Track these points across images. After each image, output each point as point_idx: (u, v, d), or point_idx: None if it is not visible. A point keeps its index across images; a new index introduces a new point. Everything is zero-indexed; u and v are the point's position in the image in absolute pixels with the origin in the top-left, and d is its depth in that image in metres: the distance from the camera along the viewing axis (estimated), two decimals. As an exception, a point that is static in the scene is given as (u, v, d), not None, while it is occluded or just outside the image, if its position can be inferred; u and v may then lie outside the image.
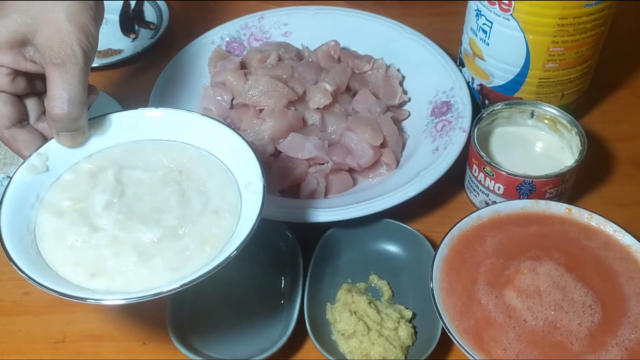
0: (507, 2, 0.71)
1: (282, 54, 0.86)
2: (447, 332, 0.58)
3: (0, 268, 0.70)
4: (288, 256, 0.69)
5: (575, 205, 0.66)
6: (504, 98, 0.79)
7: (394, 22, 0.90)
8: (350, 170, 0.77)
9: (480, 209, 0.66)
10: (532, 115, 0.75)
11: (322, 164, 0.75)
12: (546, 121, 0.74)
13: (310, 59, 0.86)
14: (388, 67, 0.86)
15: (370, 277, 0.69)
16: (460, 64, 0.84)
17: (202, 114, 0.63)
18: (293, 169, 0.74)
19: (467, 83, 0.82)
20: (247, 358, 0.60)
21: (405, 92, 0.85)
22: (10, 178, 0.57)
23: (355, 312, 0.63)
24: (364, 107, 0.80)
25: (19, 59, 0.57)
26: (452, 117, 0.78)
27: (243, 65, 0.86)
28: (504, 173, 0.69)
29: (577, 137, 0.71)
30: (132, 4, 1.02)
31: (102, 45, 0.96)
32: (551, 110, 0.74)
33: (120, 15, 1.01)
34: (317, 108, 0.78)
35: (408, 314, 0.64)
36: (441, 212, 0.76)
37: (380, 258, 0.70)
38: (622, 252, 0.63)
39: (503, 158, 0.73)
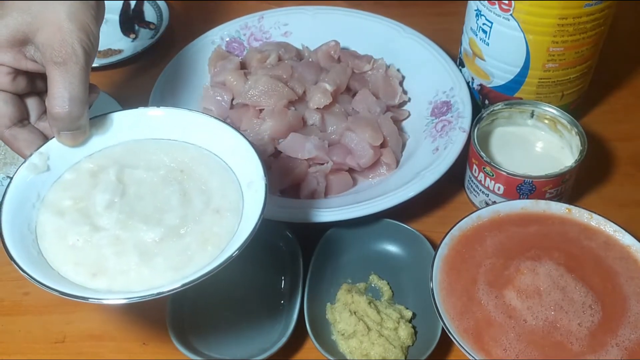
0: (507, 2, 0.71)
1: (282, 54, 0.86)
2: (447, 332, 0.58)
3: (0, 268, 0.70)
4: (288, 256, 0.69)
5: (575, 205, 0.67)
6: (504, 98, 0.79)
7: (394, 22, 0.90)
8: (350, 170, 0.77)
9: (480, 209, 0.66)
10: (532, 115, 0.75)
11: (322, 164, 0.75)
12: (546, 121, 0.74)
13: (310, 59, 0.86)
14: (388, 67, 0.86)
15: (370, 277, 0.69)
16: (460, 64, 0.84)
17: (204, 113, 0.63)
18: (293, 169, 0.74)
19: (467, 83, 0.82)
20: (247, 358, 0.60)
21: (405, 92, 0.85)
22: (11, 177, 0.57)
23: (355, 312, 0.63)
24: (364, 107, 0.80)
25: (19, 58, 0.57)
26: (452, 117, 0.78)
27: (243, 65, 0.86)
28: (504, 173, 0.69)
29: (577, 137, 0.71)
30: (132, 4, 1.02)
31: (102, 45, 0.95)
32: (551, 110, 0.74)
33: (120, 15, 1.01)
34: (317, 108, 0.78)
35: (408, 314, 0.64)
36: (441, 212, 0.76)
37: (380, 258, 0.70)
38: (622, 252, 0.63)
39: (503, 158, 0.73)
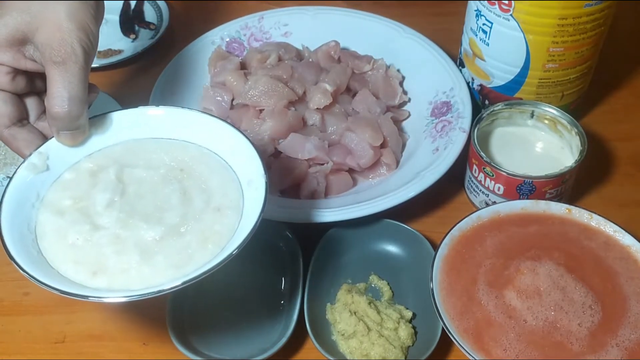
0: (507, 2, 0.71)
1: (282, 54, 0.86)
2: (447, 332, 0.58)
3: (0, 268, 0.70)
4: (288, 256, 0.69)
5: (575, 206, 0.66)
6: (504, 98, 0.79)
7: (394, 22, 0.90)
8: (350, 171, 0.77)
9: (480, 209, 0.66)
10: (532, 115, 0.75)
11: (322, 164, 0.75)
12: (546, 121, 0.74)
13: (310, 59, 0.86)
14: (388, 67, 0.86)
15: (370, 277, 0.69)
16: (460, 64, 0.84)
17: (203, 112, 0.63)
18: (293, 169, 0.74)
19: (467, 83, 0.82)
20: (247, 358, 0.60)
21: (405, 93, 0.85)
22: (11, 177, 0.57)
23: (355, 313, 0.63)
24: (364, 108, 0.80)
25: (18, 57, 0.57)
26: (452, 117, 0.78)
27: (243, 66, 0.86)
28: (504, 173, 0.69)
29: (577, 137, 0.71)
30: (132, 4, 1.02)
31: (102, 46, 0.96)
32: (551, 111, 0.74)
33: (120, 16, 1.01)
34: (317, 108, 0.78)
35: (408, 314, 0.64)
36: (441, 212, 0.76)
37: (380, 258, 0.70)
38: (622, 252, 0.63)
39: (503, 158, 0.73)
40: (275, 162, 0.75)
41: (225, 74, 0.83)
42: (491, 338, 0.57)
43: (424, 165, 0.74)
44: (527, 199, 0.69)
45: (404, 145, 0.80)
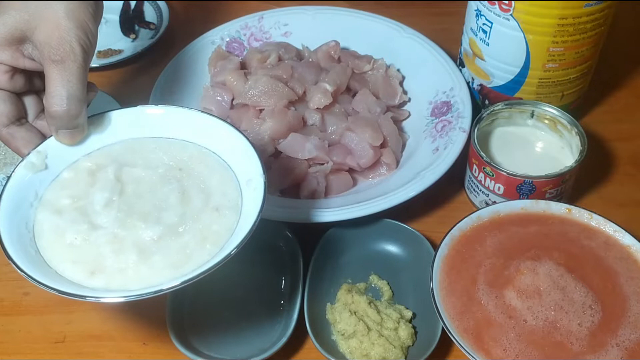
0: (507, 2, 0.71)
1: (282, 54, 0.86)
2: (447, 332, 0.58)
3: (0, 268, 0.70)
4: (288, 256, 0.69)
5: (575, 205, 0.66)
6: (504, 98, 0.79)
7: (394, 22, 0.90)
8: (350, 170, 0.77)
9: (480, 209, 0.66)
10: (532, 115, 0.75)
11: (322, 164, 0.75)
12: (546, 121, 0.74)
13: (310, 59, 0.86)
14: (388, 67, 0.86)
15: (370, 277, 0.69)
16: (460, 64, 0.84)
17: (202, 111, 0.63)
18: (293, 169, 0.74)
19: (467, 83, 0.82)
20: (247, 358, 0.60)
21: (405, 92, 0.85)
22: (9, 176, 0.57)
23: (355, 312, 0.63)
24: (364, 107, 0.80)
25: (17, 56, 0.57)
26: (452, 117, 0.78)
27: (243, 66, 0.86)
28: (504, 173, 0.69)
29: (577, 137, 0.71)
30: (132, 4, 1.02)
31: (102, 46, 0.96)
32: (551, 110, 0.74)
33: (120, 15, 1.01)
34: (317, 108, 0.78)
35: (408, 314, 0.64)
36: (441, 212, 0.76)
37: (380, 258, 0.70)
38: (622, 252, 0.63)
39: (503, 158, 0.73)
40: (275, 162, 0.75)
41: (225, 74, 0.83)
42: (491, 338, 0.57)
43: (424, 165, 0.74)
44: (527, 198, 0.69)
45: (404, 145, 0.80)
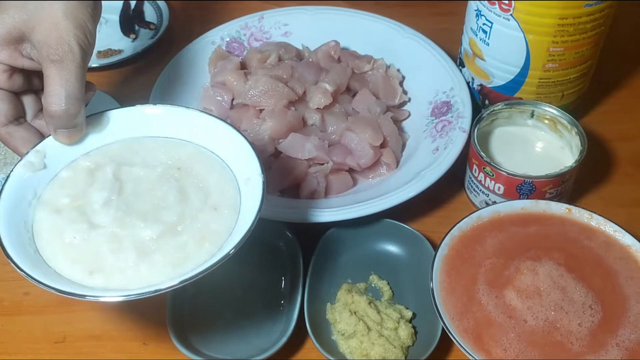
0: (507, 2, 0.71)
1: (282, 54, 0.86)
2: (447, 332, 0.58)
3: (0, 267, 0.70)
4: (288, 256, 0.69)
5: (575, 205, 0.66)
6: (504, 98, 0.79)
7: (394, 22, 0.90)
8: (350, 170, 0.77)
9: (480, 209, 0.66)
10: (532, 115, 0.75)
11: (322, 164, 0.75)
12: (546, 121, 0.74)
13: (310, 59, 0.86)
14: (388, 67, 0.86)
15: (370, 277, 0.69)
16: (460, 64, 0.84)
17: (201, 111, 0.63)
18: (293, 169, 0.74)
19: (467, 83, 0.82)
20: (247, 358, 0.60)
21: (405, 92, 0.85)
22: (8, 175, 0.57)
23: (355, 312, 0.63)
24: (364, 107, 0.80)
25: (15, 55, 0.57)
26: (452, 117, 0.78)
27: (243, 66, 0.86)
28: (504, 173, 0.69)
29: (577, 137, 0.71)
30: (132, 4, 1.02)
31: (102, 46, 0.96)
32: (551, 110, 0.74)
33: (120, 16, 1.01)
34: (317, 108, 0.78)
35: (408, 314, 0.64)
36: (441, 212, 0.76)
37: (380, 258, 0.70)
38: (622, 252, 0.63)
39: (503, 158, 0.73)
40: (275, 162, 0.75)
41: (225, 74, 0.83)
42: (491, 338, 0.57)
43: (424, 165, 0.74)
44: (527, 198, 0.69)
45: (404, 145, 0.80)
